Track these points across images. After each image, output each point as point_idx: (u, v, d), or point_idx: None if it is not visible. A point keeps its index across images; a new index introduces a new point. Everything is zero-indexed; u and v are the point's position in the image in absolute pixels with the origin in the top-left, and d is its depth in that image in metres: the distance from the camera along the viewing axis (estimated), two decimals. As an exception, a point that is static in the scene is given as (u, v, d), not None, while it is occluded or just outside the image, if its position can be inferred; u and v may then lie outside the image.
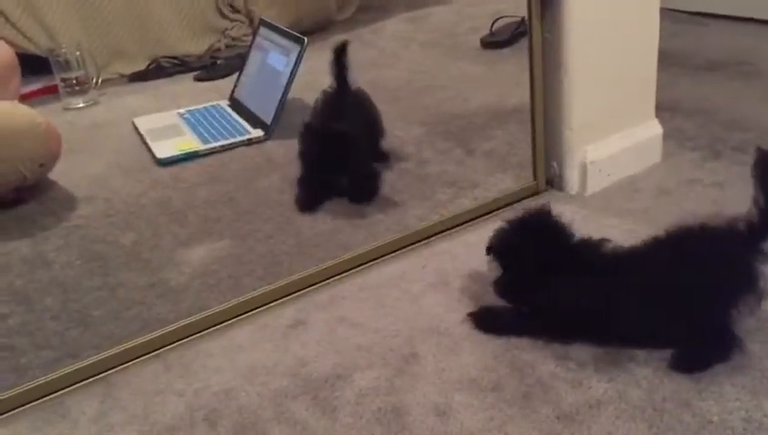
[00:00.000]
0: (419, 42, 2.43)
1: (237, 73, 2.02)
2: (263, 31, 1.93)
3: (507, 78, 1.98)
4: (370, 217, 1.35)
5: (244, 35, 2.59)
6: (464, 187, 1.42)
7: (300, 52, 1.70)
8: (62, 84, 2.12)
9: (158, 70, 2.38)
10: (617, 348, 0.95)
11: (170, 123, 1.89)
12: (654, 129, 1.44)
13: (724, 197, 1.30)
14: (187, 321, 1.10)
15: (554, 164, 1.37)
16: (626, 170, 1.40)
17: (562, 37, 1.25)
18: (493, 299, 1.04)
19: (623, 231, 1.17)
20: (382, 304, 1.11)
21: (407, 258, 1.23)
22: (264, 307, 1.14)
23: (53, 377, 1.01)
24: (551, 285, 0.94)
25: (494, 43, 2.26)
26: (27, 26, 2.24)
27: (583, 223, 0.99)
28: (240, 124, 1.82)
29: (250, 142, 1.74)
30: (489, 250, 1.02)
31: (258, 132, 1.76)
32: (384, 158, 1.56)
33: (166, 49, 2.46)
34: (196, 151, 1.71)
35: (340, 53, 1.47)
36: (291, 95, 1.75)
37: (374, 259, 1.22)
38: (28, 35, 2.24)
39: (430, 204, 1.38)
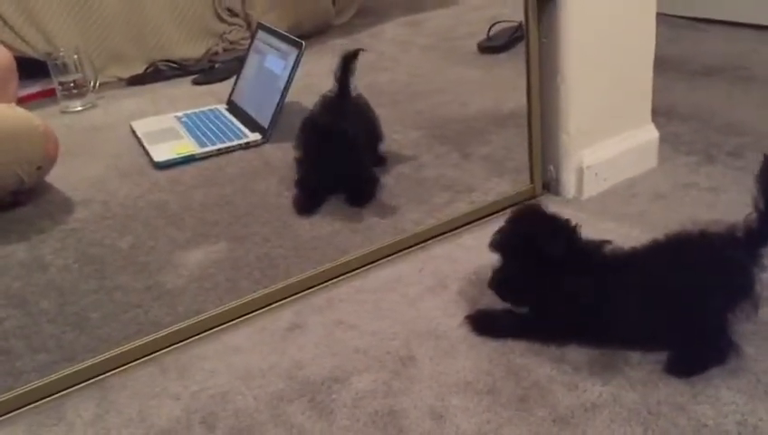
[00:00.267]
0: (417, 46, 2.44)
1: (235, 77, 2.02)
2: (261, 35, 1.93)
3: (504, 82, 1.98)
4: (368, 221, 1.36)
5: (242, 39, 2.60)
6: (461, 190, 1.43)
7: (298, 55, 1.70)
8: (60, 87, 2.12)
9: (156, 73, 2.38)
10: (614, 350, 0.96)
11: (168, 127, 1.89)
12: (650, 133, 1.44)
13: (719, 201, 1.30)
14: (184, 324, 1.10)
15: (551, 168, 1.38)
16: (622, 175, 1.40)
17: (559, 42, 1.26)
18: (490, 302, 1.05)
19: (619, 235, 1.17)
20: (379, 307, 1.12)
21: (404, 262, 1.23)
22: (261, 310, 1.14)
23: (50, 380, 1.01)
24: (550, 284, 0.94)
25: (491, 47, 2.27)
26: (25, 30, 2.24)
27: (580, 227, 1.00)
28: (238, 128, 1.83)
29: (248, 146, 1.74)
30: (491, 245, 1.01)
31: (256, 136, 1.76)
32: (381, 161, 1.56)
33: (164, 52, 2.46)
34: (193, 155, 1.71)
35: (350, 60, 1.46)
36: (288, 99, 1.75)
37: (371, 262, 1.23)
38: (26, 39, 2.25)
39: (427, 207, 1.38)
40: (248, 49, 1.98)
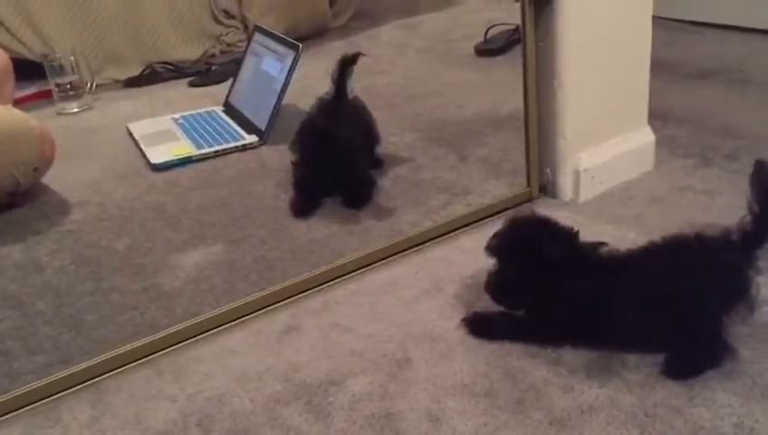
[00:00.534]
0: (414, 49, 2.44)
1: (232, 79, 2.02)
2: (257, 37, 1.93)
3: (501, 85, 1.99)
4: (364, 223, 1.36)
5: (239, 41, 2.60)
6: (457, 193, 1.43)
7: (294, 58, 1.70)
8: (57, 89, 2.12)
9: (153, 75, 2.38)
10: (610, 353, 0.96)
11: (164, 128, 1.89)
12: (646, 136, 1.45)
13: (715, 204, 1.31)
14: (181, 326, 1.10)
15: (548, 171, 1.38)
16: (619, 177, 1.41)
17: (556, 45, 1.26)
18: (486, 305, 1.05)
19: (616, 238, 1.17)
20: (375, 309, 1.12)
21: (400, 264, 1.23)
22: (258, 313, 1.14)
23: (46, 382, 1.01)
24: (547, 287, 0.94)
25: (488, 50, 2.27)
26: (22, 31, 2.24)
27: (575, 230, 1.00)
28: (234, 130, 1.83)
29: (244, 148, 1.74)
30: (488, 249, 1.01)
31: (252, 138, 1.76)
32: (378, 164, 1.56)
33: (160, 54, 2.46)
34: (190, 157, 1.71)
35: (349, 63, 1.46)
36: (285, 101, 1.75)
37: (367, 265, 1.23)
38: (23, 40, 2.24)
39: (424, 210, 1.38)
40: (245, 51, 1.99)
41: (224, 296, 1.17)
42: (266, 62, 1.83)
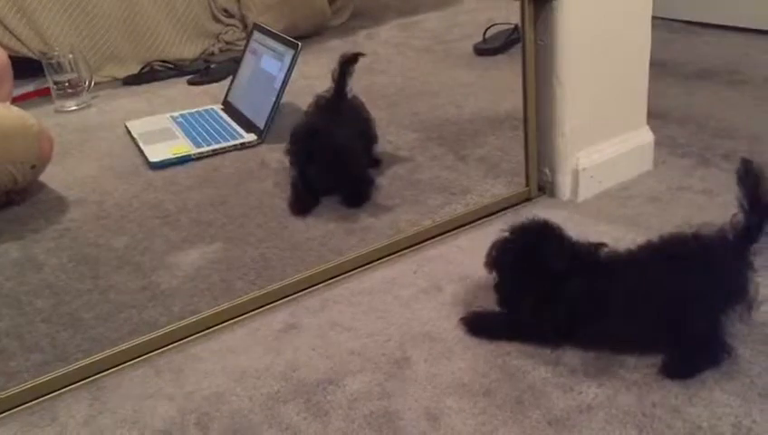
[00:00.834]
0: (413, 48, 2.44)
1: (231, 78, 2.02)
2: (256, 35, 1.93)
3: (500, 85, 1.99)
4: (363, 222, 1.36)
5: (238, 40, 2.59)
6: (456, 192, 1.43)
7: (294, 56, 1.70)
8: (55, 87, 2.11)
9: (152, 73, 2.38)
10: (609, 353, 0.96)
11: (163, 127, 1.88)
12: (645, 136, 1.45)
13: (713, 204, 1.31)
14: (179, 324, 1.10)
15: (546, 170, 1.38)
16: (617, 177, 1.41)
17: (555, 45, 1.26)
18: (484, 304, 1.05)
19: (614, 237, 1.17)
20: (374, 308, 1.11)
21: (399, 263, 1.23)
22: (256, 311, 1.14)
23: (43, 380, 1.01)
24: (546, 288, 0.94)
25: (487, 50, 2.27)
26: (20, 29, 2.24)
27: (575, 229, 1.00)
28: (233, 128, 1.82)
29: (243, 146, 1.74)
30: (490, 264, 1.00)
31: (251, 136, 1.76)
32: (377, 163, 1.56)
33: (159, 53, 2.46)
34: (188, 155, 1.71)
35: (349, 63, 1.46)
36: (284, 100, 1.75)
37: (366, 264, 1.23)
38: (21, 38, 2.24)
39: (422, 209, 1.38)
40: (244, 50, 1.98)
41: (222, 295, 1.17)
42: (265, 61, 1.83)
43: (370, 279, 1.19)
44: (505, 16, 2.36)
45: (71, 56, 2.10)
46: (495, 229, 1.02)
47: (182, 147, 1.74)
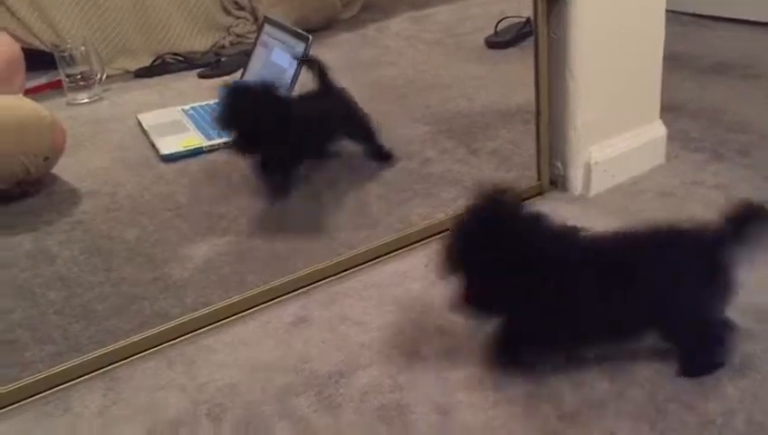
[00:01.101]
0: (424, 41, 2.43)
1: (242, 70, 2.02)
2: (267, 28, 1.93)
3: (511, 78, 1.98)
4: (373, 216, 1.36)
5: (249, 32, 2.59)
6: (467, 186, 1.42)
7: (304, 49, 1.70)
8: (67, 80, 2.12)
9: (163, 66, 2.38)
10: (606, 351, 0.94)
11: (174, 119, 1.89)
12: (658, 130, 1.44)
13: (726, 199, 1.30)
14: (191, 316, 1.10)
15: (558, 164, 1.37)
16: (630, 171, 1.40)
17: (568, 38, 1.25)
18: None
19: (626, 232, 1.17)
20: (385, 301, 1.12)
21: (410, 257, 1.23)
22: (267, 304, 1.14)
23: (56, 371, 1.01)
24: (545, 286, 0.85)
25: (498, 43, 2.26)
26: (33, 22, 2.24)
27: (586, 223, 0.99)
28: (244, 121, 1.82)
29: (254, 139, 1.74)
30: (448, 264, 0.88)
31: (262, 129, 1.76)
32: (388, 158, 1.55)
33: (170, 46, 2.46)
34: (200, 147, 1.71)
35: (315, 67, 1.48)
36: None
37: (377, 257, 1.23)
38: (33, 31, 2.24)
39: (434, 202, 1.38)
40: (255, 42, 1.98)
41: (233, 287, 1.17)
42: (276, 54, 1.83)
43: (381, 273, 1.19)
44: (517, 9, 2.35)
45: (83, 49, 2.10)
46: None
47: (193, 139, 1.75)
